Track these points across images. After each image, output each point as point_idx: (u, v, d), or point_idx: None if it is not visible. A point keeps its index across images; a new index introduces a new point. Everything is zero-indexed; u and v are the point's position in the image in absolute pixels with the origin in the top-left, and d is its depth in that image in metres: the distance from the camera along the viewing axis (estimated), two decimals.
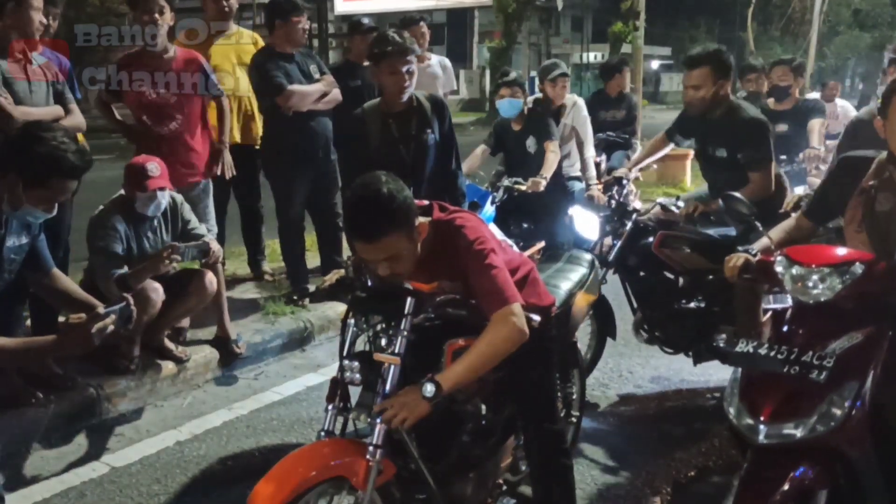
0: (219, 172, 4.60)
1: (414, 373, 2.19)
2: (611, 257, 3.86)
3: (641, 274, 3.94)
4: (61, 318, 3.79)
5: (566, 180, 5.26)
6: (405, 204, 2.11)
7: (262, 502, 1.97)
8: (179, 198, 4.04)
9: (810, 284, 2.14)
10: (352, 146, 3.73)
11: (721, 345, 3.72)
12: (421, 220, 2.23)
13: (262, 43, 5.14)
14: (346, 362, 2.23)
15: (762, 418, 2.02)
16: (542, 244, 3.89)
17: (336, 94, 4.83)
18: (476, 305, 2.29)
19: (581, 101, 5.54)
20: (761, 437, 2.02)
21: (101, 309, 2.24)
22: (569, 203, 4.81)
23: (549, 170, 4.75)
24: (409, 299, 2.20)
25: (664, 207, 3.86)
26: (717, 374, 4.04)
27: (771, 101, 5.81)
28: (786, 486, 2.00)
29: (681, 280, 3.87)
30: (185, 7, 4.96)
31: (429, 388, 2.08)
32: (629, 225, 3.85)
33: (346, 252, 4.83)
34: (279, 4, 4.74)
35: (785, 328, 2.18)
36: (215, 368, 4.21)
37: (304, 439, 3.49)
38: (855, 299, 2.13)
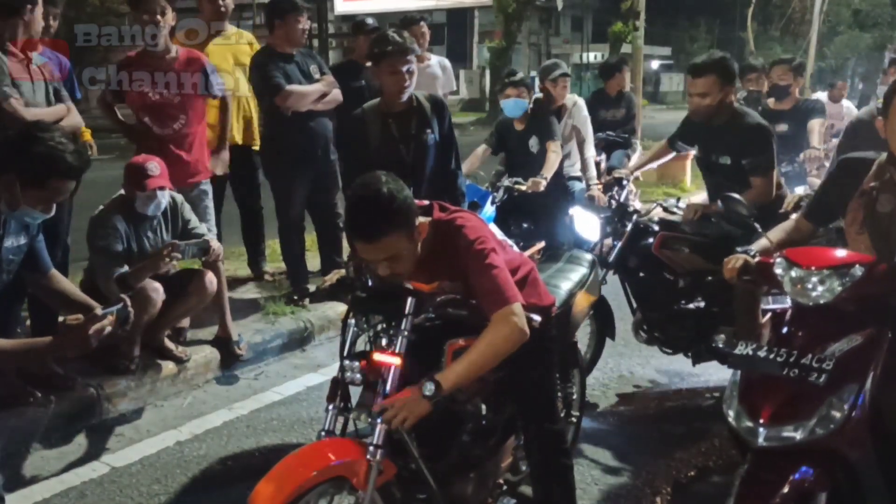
0: (218, 172, 4.60)
1: (414, 373, 2.19)
2: (611, 258, 3.87)
3: (641, 275, 3.95)
4: (61, 319, 3.80)
5: (566, 180, 5.26)
6: (405, 204, 2.12)
7: (263, 502, 1.97)
8: (180, 198, 4.04)
9: (810, 286, 2.13)
10: (352, 146, 3.73)
11: (720, 346, 3.72)
12: (421, 220, 2.23)
13: (256, 44, 5.14)
14: (346, 362, 2.23)
15: (761, 421, 2.02)
16: (542, 244, 3.89)
17: (336, 94, 4.83)
18: (476, 305, 2.29)
19: (581, 101, 5.54)
20: (761, 440, 2.02)
21: (98, 310, 2.24)
22: (569, 203, 4.82)
23: (549, 170, 4.75)
24: (409, 299, 2.20)
25: (665, 208, 3.86)
26: (716, 374, 4.04)
27: (771, 101, 5.81)
28: (785, 489, 2.00)
29: (680, 281, 3.87)
30: (183, 7, 4.95)
31: (429, 388, 2.08)
32: (629, 226, 3.86)
33: (347, 252, 4.83)
34: (278, 4, 4.74)
35: (784, 330, 2.18)
36: (215, 368, 4.21)
37: (305, 439, 3.49)
38: (855, 301, 2.12)
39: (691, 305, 3.87)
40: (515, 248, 3.19)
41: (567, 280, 3.09)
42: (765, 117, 4.06)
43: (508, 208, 4.82)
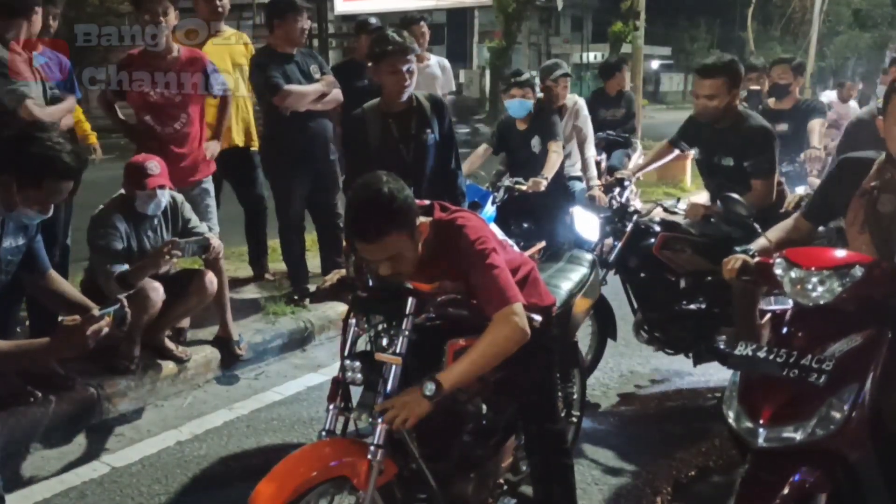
0: (207, 156, 4.57)
1: (415, 373, 2.19)
2: (612, 258, 3.86)
3: (642, 275, 3.94)
4: (60, 319, 3.79)
5: (567, 180, 5.26)
6: (406, 204, 2.12)
7: (264, 502, 1.97)
8: (180, 197, 4.04)
9: (810, 287, 2.13)
10: (352, 146, 3.73)
11: (721, 346, 3.72)
12: (422, 219, 2.23)
13: (251, 44, 5.14)
14: (347, 362, 2.23)
15: (761, 422, 2.02)
16: (542, 244, 3.88)
17: (336, 94, 4.83)
18: (477, 305, 2.29)
19: (582, 101, 5.54)
20: (761, 441, 2.01)
21: (95, 311, 2.23)
22: (570, 203, 4.81)
23: (550, 170, 4.74)
24: (410, 299, 2.20)
25: (665, 209, 3.86)
26: (717, 374, 4.04)
27: (771, 101, 5.81)
28: (786, 490, 2.00)
29: (681, 281, 3.87)
30: (184, 7, 4.94)
31: (429, 387, 2.08)
32: (630, 226, 3.85)
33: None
34: (278, 4, 4.74)
35: (784, 331, 2.18)
36: (216, 368, 4.21)
37: (305, 439, 3.49)
38: (854, 302, 2.12)
39: (692, 306, 3.87)
40: (516, 248, 3.19)
41: (567, 280, 3.08)
42: (765, 116, 4.06)
43: (509, 208, 4.81)
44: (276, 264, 5.49)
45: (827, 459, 2.04)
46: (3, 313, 3.44)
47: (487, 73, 26.08)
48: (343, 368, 2.24)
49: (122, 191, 3.83)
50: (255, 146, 5.21)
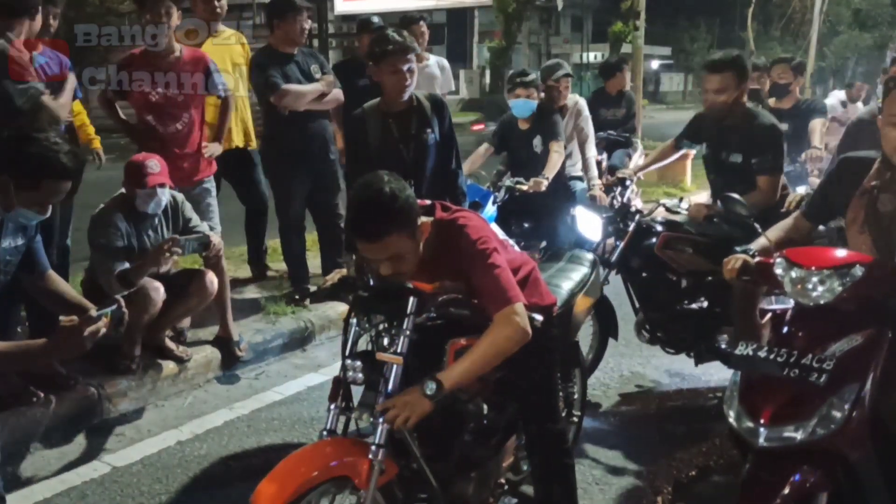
0: (206, 154, 4.57)
1: (416, 372, 2.19)
2: (613, 258, 3.86)
3: (644, 275, 3.94)
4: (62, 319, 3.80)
5: (568, 180, 5.26)
6: (407, 203, 2.12)
7: (265, 501, 1.97)
8: (180, 196, 4.03)
9: (810, 287, 2.13)
10: (352, 146, 3.73)
11: (723, 346, 3.72)
12: (423, 219, 2.23)
13: (248, 44, 5.14)
14: (348, 362, 2.23)
15: (762, 421, 2.02)
16: (543, 244, 3.89)
17: (336, 93, 4.83)
18: (478, 305, 2.29)
19: (583, 101, 5.54)
20: (761, 440, 2.02)
21: (93, 312, 2.23)
22: (570, 203, 4.81)
23: (551, 170, 4.74)
24: (411, 299, 2.20)
25: (667, 208, 3.86)
26: (718, 374, 4.04)
27: (772, 101, 5.82)
28: (786, 490, 2.00)
29: (683, 281, 3.87)
30: (184, 7, 4.95)
31: (430, 386, 2.09)
32: (632, 226, 3.85)
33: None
34: (278, 4, 4.75)
35: (784, 330, 2.18)
36: (216, 368, 4.21)
37: (306, 439, 3.49)
38: (855, 302, 2.12)
39: (694, 305, 3.87)
40: (516, 248, 3.19)
41: (568, 280, 3.08)
42: None
43: (510, 208, 4.81)
44: (277, 264, 5.49)
45: (827, 459, 2.04)
46: (5, 313, 3.43)
47: (487, 73, 26.08)
48: (344, 368, 2.24)
49: (123, 190, 3.83)
50: (253, 146, 5.21)
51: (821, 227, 2.89)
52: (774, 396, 2.05)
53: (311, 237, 5.36)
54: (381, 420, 2.11)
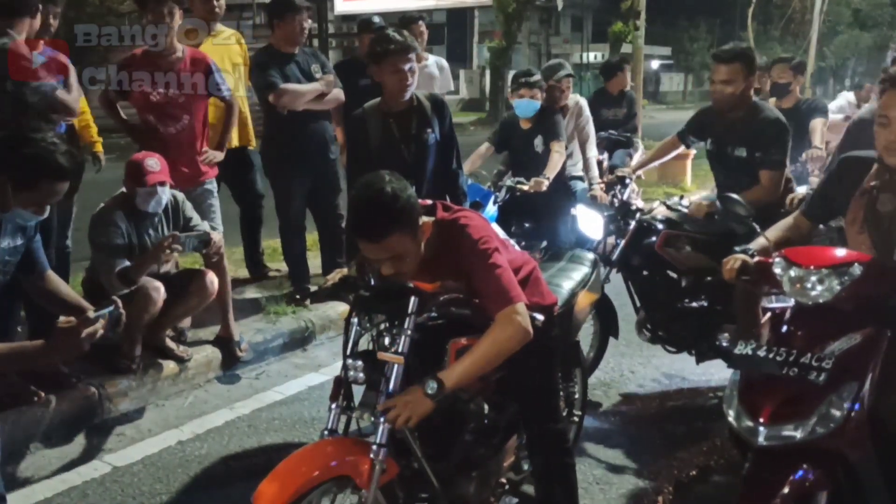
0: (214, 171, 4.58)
1: (417, 372, 2.19)
2: (614, 256, 3.86)
3: (645, 273, 3.95)
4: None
5: (569, 180, 5.26)
6: (409, 203, 2.12)
7: (267, 501, 1.97)
8: (181, 196, 4.03)
9: (809, 286, 2.13)
10: (353, 146, 3.73)
11: (724, 344, 3.72)
12: (425, 219, 2.23)
13: (245, 43, 5.14)
14: (349, 361, 2.23)
15: (762, 420, 2.02)
16: (543, 244, 3.89)
17: (337, 93, 4.83)
18: (479, 304, 2.30)
19: (584, 101, 5.54)
20: (761, 439, 2.01)
21: (90, 313, 2.22)
22: (571, 203, 4.81)
23: (552, 170, 4.74)
24: (412, 298, 2.20)
25: (668, 206, 3.86)
26: (718, 373, 4.04)
27: (772, 101, 5.82)
28: (786, 489, 2.00)
29: (684, 279, 3.87)
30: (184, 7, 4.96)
31: (431, 386, 2.09)
32: (633, 224, 3.85)
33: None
34: (277, 4, 4.75)
35: (784, 329, 2.18)
36: (217, 368, 4.22)
37: (306, 439, 3.49)
38: (853, 301, 2.12)
39: (695, 304, 3.86)
40: (517, 248, 3.19)
41: (569, 279, 3.08)
42: None
43: (510, 208, 4.81)
44: (278, 263, 5.49)
45: (827, 458, 2.04)
46: (5, 313, 3.43)
47: (487, 73, 26.07)
48: (345, 367, 2.24)
49: (124, 189, 3.83)
50: (252, 146, 5.20)
51: (821, 227, 2.88)
52: (774, 395, 2.05)
53: (312, 237, 5.36)
54: (382, 419, 2.11)
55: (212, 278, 3.93)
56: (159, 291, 3.72)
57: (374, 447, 2.10)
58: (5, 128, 2.69)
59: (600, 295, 3.44)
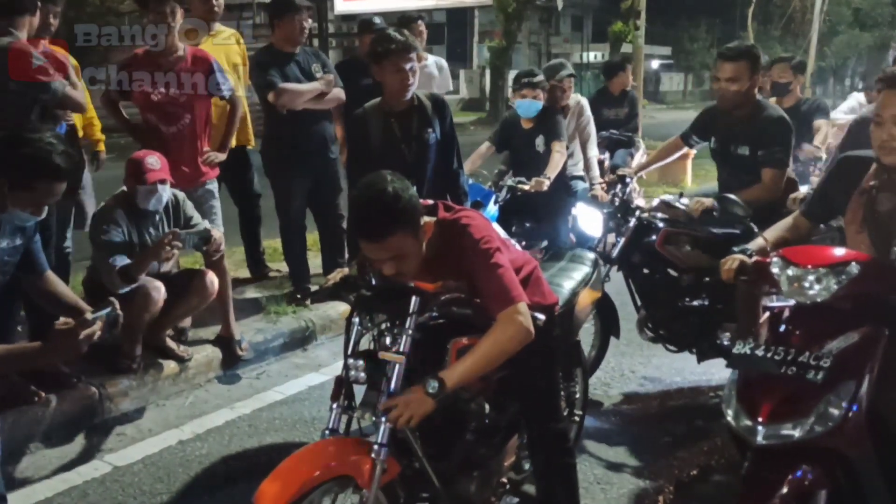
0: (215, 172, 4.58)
1: (418, 372, 2.19)
2: (615, 254, 3.86)
3: (645, 271, 3.94)
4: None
5: (569, 180, 5.26)
6: (410, 203, 2.12)
7: (268, 501, 1.97)
8: (182, 195, 4.03)
9: (806, 285, 2.13)
10: (354, 146, 3.73)
11: (725, 342, 3.72)
12: (426, 219, 2.23)
13: (243, 43, 5.14)
14: (350, 361, 2.23)
15: (760, 419, 2.02)
16: (544, 244, 3.88)
17: (337, 93, 4.83)
18: (480, 304, 2.29)
19: (585, 101, 5.54)
20: (760, 438, 2.01)
21: (88, 314, 2.22)
22: (572, 202, 4.80)
23: (553, 170, 4.74)
24: (413, 298, 2.20)
25: (668, 204, 3.85)
26: (718, 372, 4.04)
27: (773, 100, 5.82)
28: (786, 488, 2.00)
29: (684, 278, 3.87)
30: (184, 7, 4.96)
31: (433, 385, 2.09)
32: (633, 222, 3.85)
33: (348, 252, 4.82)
34: (277, 4, 4.75)
35: (782, 329, 2.18)
36: (217, 368, 4.22)
37: (307, 438, 3.49)
38: (851, 300, 2.13)
39: (695, 302, 3.86)
40: (518, 248, 3.19)
41: (570, 279, 3.09)
42: None
43: (511, 208, 4.81)
44: (279, 263, 5.49)
45: (826, 458, 2.04)
46: (5, 314, 3.43)
47: (487, 72, 26.06)
48: (346, 367, 2.24)
49: (124, 187, 3.83)
50: (252, 146, 5.20)
51: (821, 227, 2.88)
52: (772, 394, 2.05)
53: (312, 237, 5.36)
54: (383, 419, 2.11)
55: (212, 278, 3.93)
56: (160, 291, 3.72)
57: (376, 447, 2.10)
58: (8, 127, 2.68)
59: (601, 294, 3.44)
